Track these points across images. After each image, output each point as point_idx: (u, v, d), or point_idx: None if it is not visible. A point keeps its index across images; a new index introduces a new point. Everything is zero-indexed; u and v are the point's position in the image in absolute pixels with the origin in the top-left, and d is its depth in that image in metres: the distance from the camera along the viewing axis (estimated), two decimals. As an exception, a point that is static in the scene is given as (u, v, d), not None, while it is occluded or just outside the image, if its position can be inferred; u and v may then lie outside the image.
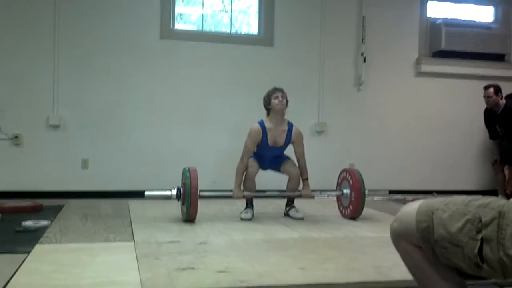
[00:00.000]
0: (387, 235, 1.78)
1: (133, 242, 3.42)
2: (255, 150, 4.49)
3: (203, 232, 3.83)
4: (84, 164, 5.85)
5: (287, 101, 4.46)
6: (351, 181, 4.56)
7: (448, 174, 6.86)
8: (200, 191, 4.15)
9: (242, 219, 4.42)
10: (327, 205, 5.27)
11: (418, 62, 6.78)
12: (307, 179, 4.56)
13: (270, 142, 4.44)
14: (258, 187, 4.53)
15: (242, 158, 4.42)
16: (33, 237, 3.53)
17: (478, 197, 1.54)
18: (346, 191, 4.60)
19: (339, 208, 4.79)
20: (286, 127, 4.48)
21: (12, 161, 5.69)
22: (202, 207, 4.26)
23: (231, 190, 4.44)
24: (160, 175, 5.81)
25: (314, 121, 6.47)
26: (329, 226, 4.21)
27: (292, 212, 4.59)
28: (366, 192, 4.52)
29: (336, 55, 6.54)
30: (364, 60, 6.52)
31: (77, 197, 5.55)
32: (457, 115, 6.88)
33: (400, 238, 1.64)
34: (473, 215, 1.47)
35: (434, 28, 6.78)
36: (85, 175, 5.85)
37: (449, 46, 6.64)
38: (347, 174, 4.66)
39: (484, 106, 6.25)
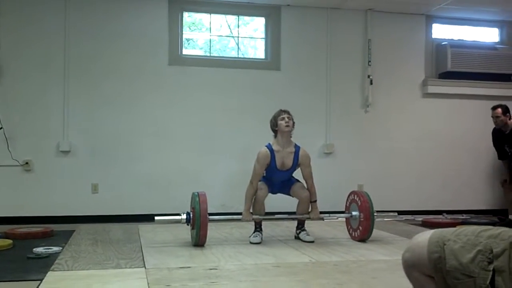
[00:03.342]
0: (398, 257, 1.78)
1: (144, 268, 3.44)
2: (264, 174, 4.52)
3: (214, 257, 3.84)
4: (94, 188, 5.89)
5: (293, 122, 4.52)
6: (359, 203, 4.57)
7: (457, 194, 6.84)
8: (209, 214, 4.19)
9: (252, 243, 4.43)
10: (337, 227, 5.27)
11: (424, 84, 6.81)
12: (315, 201, 4.57)
13: (278, 164, 4.46)
14: (267, 210, 4.55)
15: (251, 182, 4.45)
16: (45, 264, 3.55)
17: (488, 227, 1.56)
18: (355, 213, 4.61)
19: (349, 231, 4.79)
20: (293, 149, 4.52)
21: (23, 186, 5.74)
22: (212, 230, 4.27)
23: (240, 213, 4.47)
24: (169, 199, 5.86)
25: (322, 143, 6.50)
26: (340, 249, 4.21)
27: (302, 235, 4.59)
28: (375, 214, 4.54)
29: (342, 78, 6.60)
30: (371, 82, 6.57)
31: (87, 221, 5.60)
32: (465, 135, 6.89)
33: (412, 268, 1.66)
34: (484, 246, 1.49)
35: (440, 49, 6.82)
36: (95, 199, 5.89)
37: (455, 67, 6.67)
38: (356, 196, 4.67)
39: (492, 126, 6.25)
